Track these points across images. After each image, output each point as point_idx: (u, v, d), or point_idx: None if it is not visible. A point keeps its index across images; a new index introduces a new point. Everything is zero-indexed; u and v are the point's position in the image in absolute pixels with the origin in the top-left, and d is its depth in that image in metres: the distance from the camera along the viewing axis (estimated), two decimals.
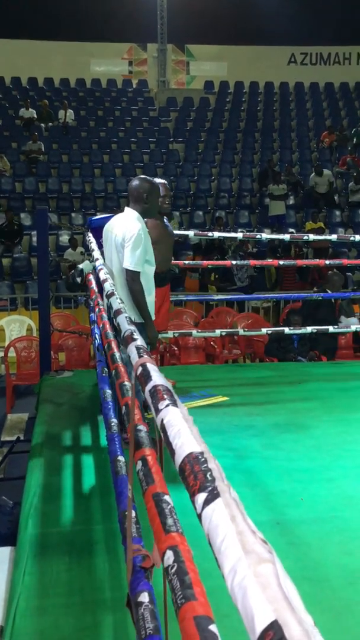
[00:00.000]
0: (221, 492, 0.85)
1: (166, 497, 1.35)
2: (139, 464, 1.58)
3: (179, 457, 1.03)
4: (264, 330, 6.69)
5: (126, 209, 4.08)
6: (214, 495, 0.85)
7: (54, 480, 3.81)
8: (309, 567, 2.88)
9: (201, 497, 0.87)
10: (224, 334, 6.77)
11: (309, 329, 6.29)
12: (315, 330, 6.31)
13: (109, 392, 3.22)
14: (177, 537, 1.20)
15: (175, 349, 7.66)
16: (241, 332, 6.88)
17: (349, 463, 3.99)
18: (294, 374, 6.22)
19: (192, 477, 0.94)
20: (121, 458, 2.51)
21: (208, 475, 0.92)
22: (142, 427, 1.79)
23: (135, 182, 4.07)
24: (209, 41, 19.88)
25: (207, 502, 0.85)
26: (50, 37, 18.78)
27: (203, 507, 0.85)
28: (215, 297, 7.96)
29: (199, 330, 6.89)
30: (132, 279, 3.88)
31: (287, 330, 6.36)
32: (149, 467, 1.53)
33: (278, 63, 20.09)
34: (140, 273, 3.91)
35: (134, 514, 1.92)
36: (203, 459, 0.98)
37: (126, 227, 3.90)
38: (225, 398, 5.47)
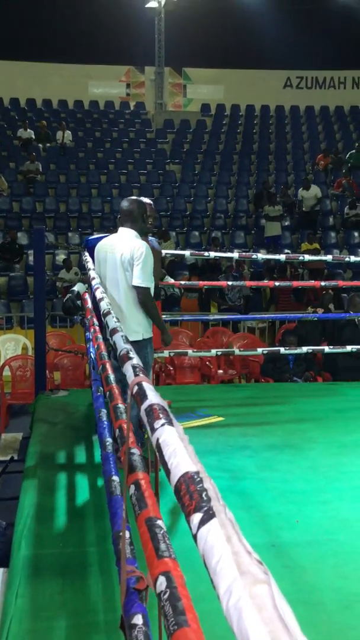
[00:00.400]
0: (217, 512, 0.85)
1: (159, 522, 1.34)
2: (132, 488, 1.57)
3: (175, 477, 1.03)
4: (259, 350, 6.70)
5: (122, 229, 4.13)
6: (209, 516, 0.85)
7: (48, 500, 3.78)
8: (304, 590, 2.85)
9: (197, 517, 0.87)
10: (219, 353, 6.78)
11: (305, 349, 6.30)
12: (310, 351, 6.32)
13: (104, 411, 3.21)
14: (169, 562, 1.19)
15: (171, 368, 7.65)
16: (237, 352, 6.88)
17: (344, 485, 3.98)
18: (289, 395, 6.22)
19: (188, 497, 0.94)
20: (115, 478, 2.50)
21: (204, 495, 0.92)
22: (136, 451, 1.78)
23: (131, 203, 4.15)
24: (206, 64, 20.15)
25: (202, 522, 0.85)
26: (49, 58, 19.01)
27: (199, 528, 0.84)
28: (211, 317, 7.96)
29: (195, 350, 6.88)
30: (144, 295, 3.99)
31: (282, 350, 6.36)
32: (142, 491, 1.52)
33: (274, 86, 20.36)
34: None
35: (128, 535, 1.91)
36: (199, 479, 0.98)
37: (133, 246, 3.97)
38: (220, 418, 5.45)
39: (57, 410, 5.55)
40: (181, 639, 0.92)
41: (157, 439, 1.22)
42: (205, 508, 0.87)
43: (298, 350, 6.39)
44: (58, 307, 10.88)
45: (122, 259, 3.97)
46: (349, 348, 6.55)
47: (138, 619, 1.62)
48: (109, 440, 2.85)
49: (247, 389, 6.89)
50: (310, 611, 2.70)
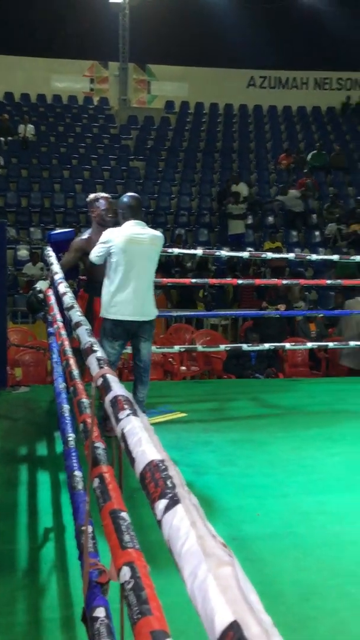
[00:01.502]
0: (181, 498, 0.86)
1: (123, 514, 1.35)
2: (96, 481, 1.57)
3: (140, 465, 1.03)
4: (221, 347, 6.74)
5: (134, 221, 4.30)
6: (174, 502, 0.86)
7: (9, 496, 3.74)
8: (264, 582, 2.88)
9: (162, 503, 0.87)
10: (182, 350, 6.79)
11: (267, 345, 6.36)
12: (272, 347, 6.38)
13: (66, 407, 3.19)
14: (133, 553, 1.19)
15: None
16: (199, 348, 6.91)
17: (304, 479, 4.04)
18: (250, 391, 6.27)
19: (153, 484, 0.94)
20: (78, 473, 2.49)
21: (169, 482, 0.92)
22: (100, 444, 1.78)
23: (134, 199, 4.39)
24: (170, 62, 20.12)
25: (167, 508, 0.85)
26: (12, 51, 18.73)
27: (164, 513, 0.85)
28: (174, 314, 7.97)
29: (157, 347, 6.88)
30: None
31: (244, 346, 6.41)
32: (106, 483, 1.52)
33: (238, 85, 20.46)
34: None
35: (90, 529, 1.90)
36: (164, 467, 0.98)
37: (158, 235, 4.41)
38: (183, 414, 5.47)
39: (18, 407, 5.50)
40: (144, 627, 0.92)
41: (122, 429, 1.22)
42: (170, 494, 0.88)
43: (260, 347, 6.45)
44: (19, 303, 10.75)
45: (153, 248, 4.36)
46: (309, 345, 6.64)
47: (100, 612, 1.62)
48: (72, 435, 2.84)
49: (209, 385, 6.93)
50: (270, 603, 2.70)
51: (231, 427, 5.11)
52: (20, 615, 2.66)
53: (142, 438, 1.11)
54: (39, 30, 18.98)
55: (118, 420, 1.27)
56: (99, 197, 4.86)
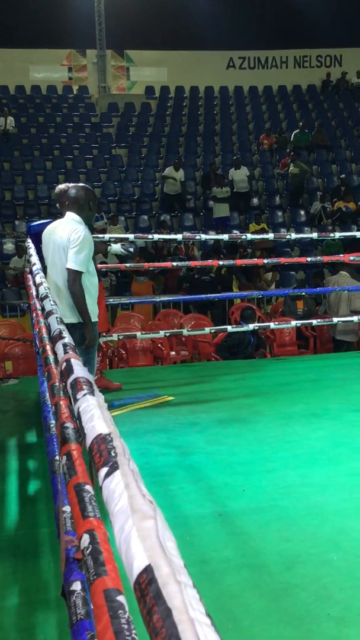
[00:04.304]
0: (120, 465, 0.92)
1: (87, 487, 1.41)
2: (64, 459, 1.63)
3: (89, 439, 1.10)
4: (206, 330, 6.81)
5: (68, 213, 4.17)
6: (114, 468, 0.92)
7: (0, 485, 3.81)
8: (248, 554, 2.97)
9: (103, 471, 0.94)
10: (167, 334, 6.86)
11: (251, 326, 6.43)
12: (257, 328, 6.46)
13: (48, 394, 3.25)
14: (94, 521, 1.26)
15: (123, 352, 7.70)
16: (185, 332, 6.97)
17: (289, 454, 4.12)
18: (237, 372, 6.35)
19: (98, 454, 1.01)
20: (58, 458, 2.56)
21: (112, 452, 0.99)
22: (69, 424, 1.84)
23: (78, 190, 4.19)
24: (148, 47, 20.01)
25: (107, 475, 0.92)
26: None
27: (104, 480, 0.92)
28: (158, 300, 8.03)
29: (144, 332, 6.95)
30: (73, 279, 3.99)
31: (229, 328, 6.48)
32: (73, 460, 1.58)
33: (217, 68, 20.38)
34: (84, 275, 4.01)
35: (68, 508, 1.97)
36: (110, 439, 1.05)
37: (72, 229, 4.03)
38: (170, 398, 5.55)
39: (8, 399, 5.56)
40: (99, 587, 0.99)
41: (78, 408, 1.28)
42: (111, 462, 0.95)
43: (245, 328, 6.52)
44: (8, 296, 10.78)
45: (62, 242, 4.01)
46: (293, 323, 6.72)
47: (77, 586, 1.69)
48: (53, 422, 2.90)
49: (196, 368, 7.00)
50: (254, 574, 2.83)
51: (218, 407, 5.19)
52: (12, 598, 2.74)
53: (94, 415, 1.18)
54: (14, 20, 18.81)
55: (75, 400, 1.33)
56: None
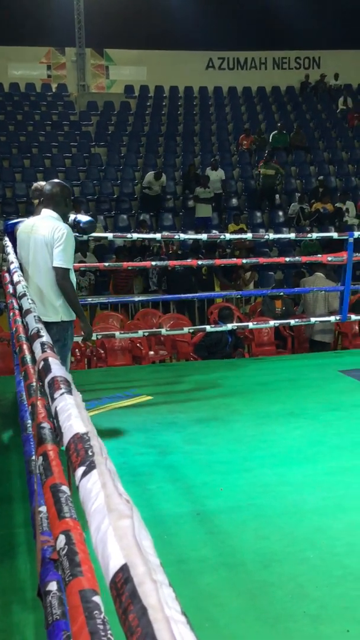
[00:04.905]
0: (98, 464, 0.92)
1: (63, 487, 1.41)
2: (40, 459, 1.62)
3: (66, 438, 1.09)
4: (185, 330, 6.81)
5: (44, 210, 4.14)
6: (91, 468, 0.92)
7: None
8: (225, 553, 2.99)
9: (80, 470, 0.93)
10: (146, 334, 6.85)
11: (229, 326, 6.45)
12: (235, 328, 6.48)
13: (25, 394, 3.23)
14: (70, 522, 1.25)
15: (102, 352, 7.67)
16: (163, 331, 6.97)
17: (266, 453, 4.14)
18: (215, 372, 6.36)
19: (75, 454, 1.01)
20: (35, 458, 2.54)
21: (89, 452, 0.98)
22: (46, 425, 1.83)
23: (54, 186, 4.17)
24: (127, 45, 19.96)
25: (84, 474, 0.91)
26: None
27: (81, 479, 0.91)
28: (137, 299, 8.02)
29: (122, 332, 6.93)
30: (62, 276, 4.01)
31: (208, 327, 6.49)
32: (49, 460, 1.58)
33: (197, 68, 20.39)
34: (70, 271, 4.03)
35: (44, 508, 1.96)
36: (87, 438, 1.04)
37: (54, 227, 4.01)
38: (149, 397, 5.54)
39: None
40: (75, 587, 0.99)
41: (56, 407, 1.28)
42: (88, 462, 0.94)
43: (223, 328, 6.53)
44: None
45: (45, 239, 3.99)
46: (271, 323, 6.74)
47: (53, 586, 1.69)
48: (30, 422, 2.88)
49: (175, 368, 7.00)
50: (231, 572, 2.84)
51: (196, 407, 5.20)
52: None
53: (72, 414, 1.17)
54: None
55: (53, 399, 1.32)
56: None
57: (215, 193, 14.35)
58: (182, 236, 7.17)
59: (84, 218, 4.74)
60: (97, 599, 0.88)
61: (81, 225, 4.60)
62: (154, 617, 0.58)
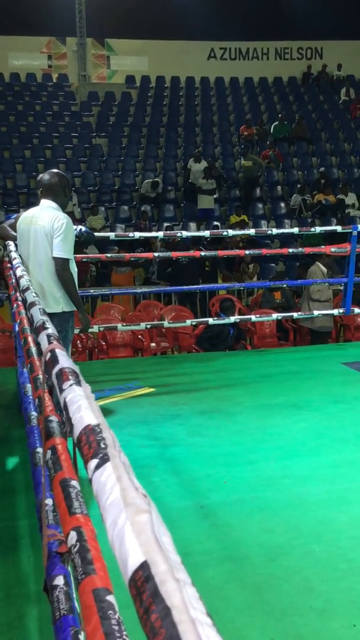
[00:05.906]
0: (111, 457, 0.89)
1: (73, 482, 1.38)
2: (49, 453, 1.60)
3: (77, 430, 1.06)
4: (188, 322, 6.78)
5: (43, 201, 4.10)
6: (104, 460, 0.89)
7: None
8: (230, 546, 2.97)
9: (93, 463, 0.90)
10: (148, 326, 6.82)
11: (232, 319, 6.42)
12: (238, 320, 6.45)
13: (29, 386, 3.20)
14: (81, 518, 1.23)
15: (104, 344, 7.64)
16: (165, 324, 6.94)
17: (270, 445, 4.12)
18: (218, 364, 6.34)
19: (87, 446, 0.98)
20: (40, 450, 2.51)
21: (101, 444, 0.95)
22: (54, 418, 1.80)
23: (52, 177, 4.14)
24: (128, 35, 19.83)
25: (97, 467, 0.88)
26: None
27: (94, 472, 0.88)
28: (139, 290, 7.98)
29: (124, 324, 6.90)
30: (62, 267, 3.98)
31: (210, 320, 6.46)
32: (58, 454, 1.55)
33: (198, 58, 20.27)
34: (70, 262, 4.00)
35: (50, 501, 1.94)
36: (99, 430, 1.01)
37: (53, 217, 3.98)
38: (151, 389, 5.52)
39: None
40: (88, 586, 0.96)
41: (65, 399, 1.25)
42: (101, 454, 0.91)
43: (226, 320, 6.50)
44: None
45: (45, 230, 3.96)
46: (274, 316, 6.72)
47: (60, 580, 1.66)
48: (34, 414, 2.85)
49: (177, 360, 6.97)
50: (236, 566, 2.82)
51: (199, 399, 5.17)
52: None
53: (82, 405, 1.14)
54: None
55: (62, 390, 1.29)
56: None
57: (195, 185, 14.18)
58: (185, 233, 7.12)
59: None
60: (111, 598, 0.85)
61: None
62: (178, 618, 0.55)
